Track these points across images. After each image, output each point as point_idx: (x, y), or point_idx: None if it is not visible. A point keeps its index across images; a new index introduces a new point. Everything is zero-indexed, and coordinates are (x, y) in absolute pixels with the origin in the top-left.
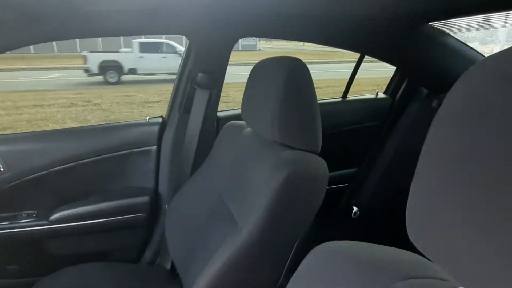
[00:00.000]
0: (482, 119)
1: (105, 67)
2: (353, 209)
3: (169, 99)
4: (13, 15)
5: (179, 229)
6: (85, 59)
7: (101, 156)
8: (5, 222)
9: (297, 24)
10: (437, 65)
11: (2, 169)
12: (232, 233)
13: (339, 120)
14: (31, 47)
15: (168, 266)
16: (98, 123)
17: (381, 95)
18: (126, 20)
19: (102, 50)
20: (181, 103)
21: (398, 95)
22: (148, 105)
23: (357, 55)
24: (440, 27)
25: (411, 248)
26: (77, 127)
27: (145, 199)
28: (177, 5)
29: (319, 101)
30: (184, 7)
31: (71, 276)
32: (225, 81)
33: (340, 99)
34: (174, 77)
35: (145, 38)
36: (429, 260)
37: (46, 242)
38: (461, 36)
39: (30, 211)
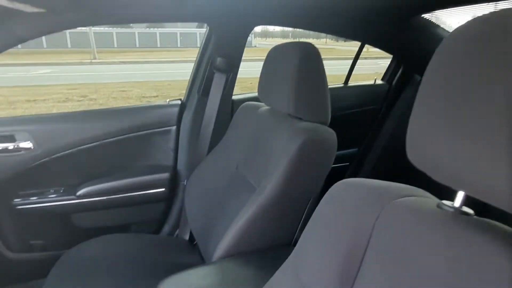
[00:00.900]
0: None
1: None
2: None
3: (187, 83)
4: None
5: (198, 202)
6: None
7: (124, 136)
8: (34, 197)
9: (306, 15)
10: (429, 54)
11: (32, 147)
12: (251, 197)
13: (341, 104)
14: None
15: (187, 237)
16: (121, 106)
17: (379, 82)
18: (152, 8)
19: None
20: (200, 86)
21: (394, 81)
22: (146, 99)
23: (352, 52)
24: (432, 20)
25: None
26: (102, 108)
27: (165, 175)
28: None
29: None
30: None
31: (96, 246)
32: None
33: (342, 85)
34: None
35: None
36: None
37: (72, 216)
38: (449, 27)
39: (58, 187)
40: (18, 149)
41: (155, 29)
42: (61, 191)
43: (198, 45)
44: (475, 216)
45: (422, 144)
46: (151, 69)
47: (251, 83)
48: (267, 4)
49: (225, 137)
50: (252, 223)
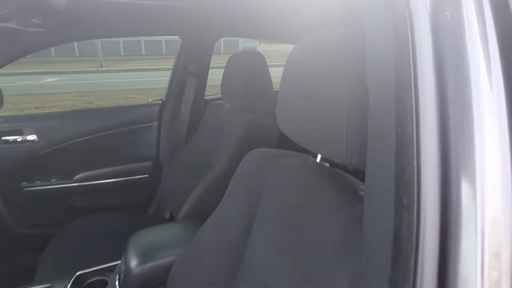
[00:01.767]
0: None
1: None
2: None
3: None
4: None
5: (175, 186)
6: None
7: (114, 130)
8: (38, 181)
9: (267, 26)
10: None
11: (36, 140)
12: (209, 171)
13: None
14: None
15: (167, 216)
16: (111, 105)
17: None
18: (129, 23)
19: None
20: (176, 88)
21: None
22: None
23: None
24: None
25: None
26: (94, 108)
27: (148, 164)
28: (173, 13)
29: None
30: (178, 14)
31: (90, 222)
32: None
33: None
34: None
35: None
36: None
37: (70, 197)
38: None
39: (58, 173)
40: (25, 141)
41: (160, 37)
42: (61, 176)
43: None
44: (330, 168)
45: (290, 121)
46: (155, 76)
47: None
48: (229, 20)
49: (198, 130)
50: (209, 189)
